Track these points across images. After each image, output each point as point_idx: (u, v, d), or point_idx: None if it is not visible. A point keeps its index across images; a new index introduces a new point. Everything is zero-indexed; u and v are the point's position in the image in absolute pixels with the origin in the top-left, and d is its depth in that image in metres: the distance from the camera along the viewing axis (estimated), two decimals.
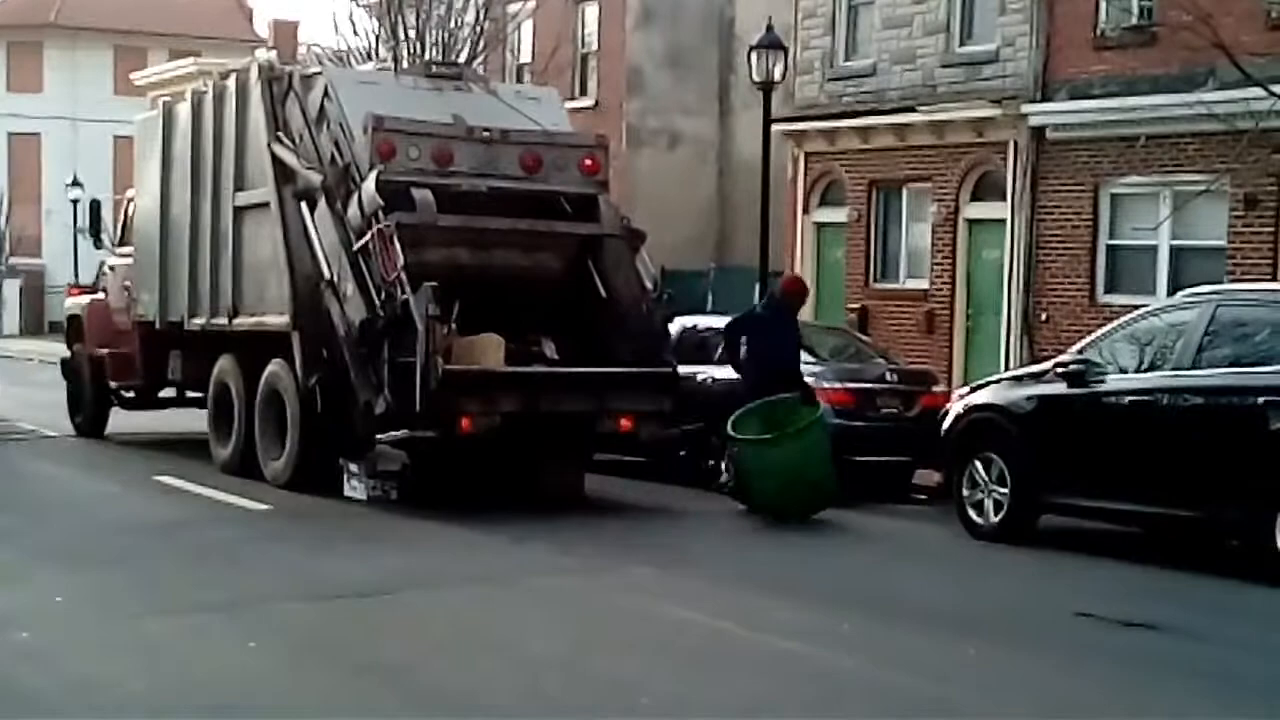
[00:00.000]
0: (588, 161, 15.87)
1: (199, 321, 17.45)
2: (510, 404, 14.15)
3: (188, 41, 56.66)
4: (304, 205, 15.11)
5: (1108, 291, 21.21)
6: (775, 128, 23.15)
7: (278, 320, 15.56)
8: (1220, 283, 15.95)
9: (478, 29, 28.18)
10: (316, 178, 15.03)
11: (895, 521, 15.27)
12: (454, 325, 13.96)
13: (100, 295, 21.25)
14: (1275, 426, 11.39)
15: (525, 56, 33.09)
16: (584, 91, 32.26)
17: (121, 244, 20.74)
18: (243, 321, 16.48)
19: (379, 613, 9.93)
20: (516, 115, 15.99)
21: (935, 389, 17.37)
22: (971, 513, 13.78)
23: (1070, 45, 21.70)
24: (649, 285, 15.51)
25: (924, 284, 24.12)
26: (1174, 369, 12.34)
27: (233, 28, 61.78)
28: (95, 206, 23.25)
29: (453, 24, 28.03)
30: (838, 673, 8.62)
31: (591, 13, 32.71)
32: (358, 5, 30.18)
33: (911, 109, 23.87)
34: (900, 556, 13.25)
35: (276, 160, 15.67)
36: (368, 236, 14.17)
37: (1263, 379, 11.64)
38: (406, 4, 27.78)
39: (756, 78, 21.98)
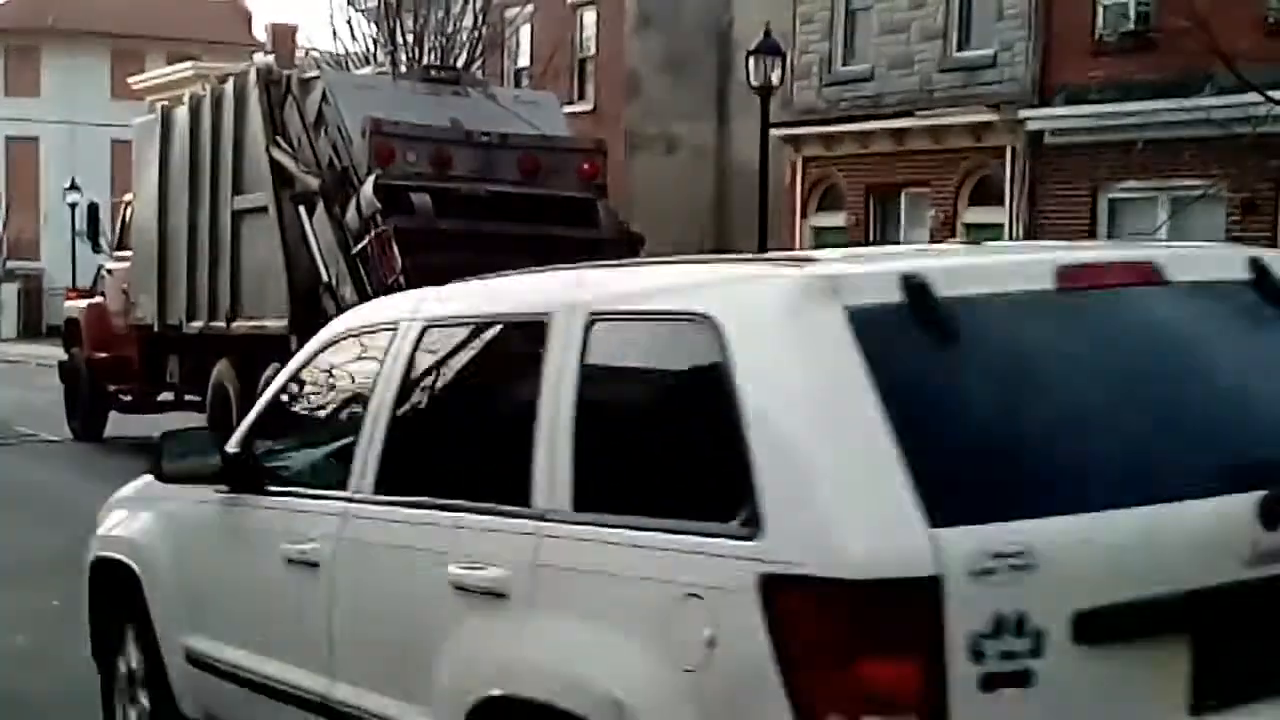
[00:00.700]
0: (586, 166, 15.87)
1: (197, 325, 17.44)
2: None
3: (186, 46, 56.64)
4: (302, 209, 15.11)
5: None
6: (773, 133, 23.20)
7: (276, 324, 15.55)
8: None
9: (476, 33, 28.21)
10: (314, 182, 15.03)
11: None
12: None
13: (98, 299, 21.25)
14: None
15: (523, 61, 33.10)
16: (582, 96, 32.27)
17: (120, 248, 20.74)
18: (241, 325, 16.47)
19: None
20: (515, 119, 15.99)
21: None
22: None
23: (1068, 50, 21.72)
24: None
25: None
26: None
27: (231, 32, 61.79)
28: (93, 210, 23.26)
29: (451, 28, 28.08)
30: None
31: (590, 17, 32.73)
32: (356, 9, 30.18)
33: (909, 114, 23.90)
34: None
35: (274, 164, 15.67)
36: (366, 240, 14.17)
37: None
38: (405, 8, 27.81)
39: (754, 83, 22.01)
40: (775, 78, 21.99)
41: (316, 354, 6.06)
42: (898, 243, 24.80)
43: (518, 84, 31.05)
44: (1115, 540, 3.56)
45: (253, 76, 16.37)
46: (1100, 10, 21.47)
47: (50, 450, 19.94)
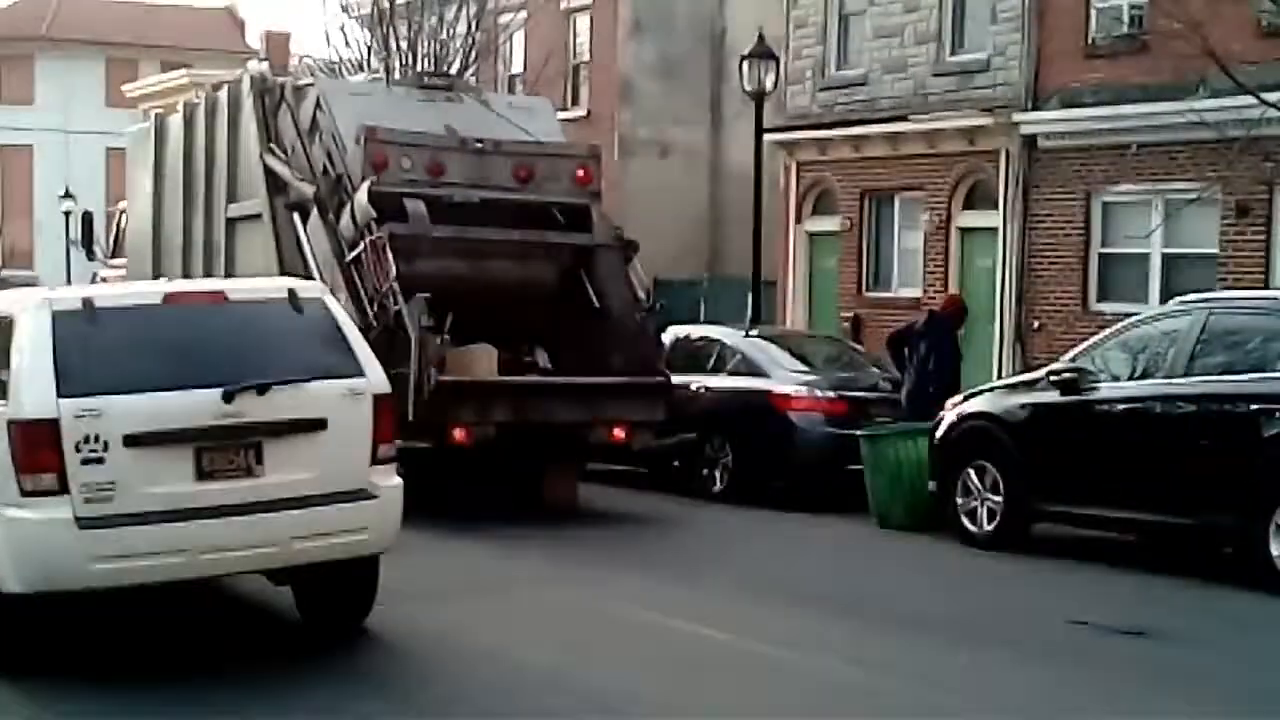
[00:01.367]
0: (580, 172, 15.88)
1: None
2: (503, 414, 14.16)
3: (180, 53, 56.55)
4: (296, 216, 15.10)
5: (1100, 299, 21.23)
6: (767, 137, 23.19)
7: None
8: (1212, 290, 15.99)
9: (469, 40, 28.20)
10: (309, 189, 15.03)
11: (888, 530, 15.27)
12: (447, 336, 13.95)
13: None
14: (1267, 433, 11.41)
15: (517, 67, 33.09)
16: (576, 102, 32.26)
17: (114, 255, 20.75)
18: None
19: (372, 623, 9.91)
20: (509, 126, 15.99)
21: None
22: (965, 521, 13.79)
23: (1061, 54, 21.73)
24: (641, 295, 15.51)
25: (916, 292, 24.13)
26: (1166, 377, 12.36)
27: (225, 39, 61.71)
28: (88, 218, 23.26)
29: (444, 35, 28.07)
30: (829, 680, 8.64)
31: (583, 23, 32.72)
32: (350, 17, 30.18)
33: (903, 118, 23.91)
34: (893, 565, 13.25)
35: (269, 171, 15.68)
36: (360, 247, 14.18)
37: (1255, 386, 11.66)
38: (398, 15, 27.81)
39: (748, 87, 22.02)
40: (769, 82, 21.98)
41: None
42: (892, 246, 24.92)
43: (511, 90, 31.07)
44: (151, 404, 8.13)
45: (247, 84, 16.37)
46: (1094, 14, 21.47)
47: None
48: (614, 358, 15.24)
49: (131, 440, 8.00)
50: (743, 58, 22.25)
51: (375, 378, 8.96)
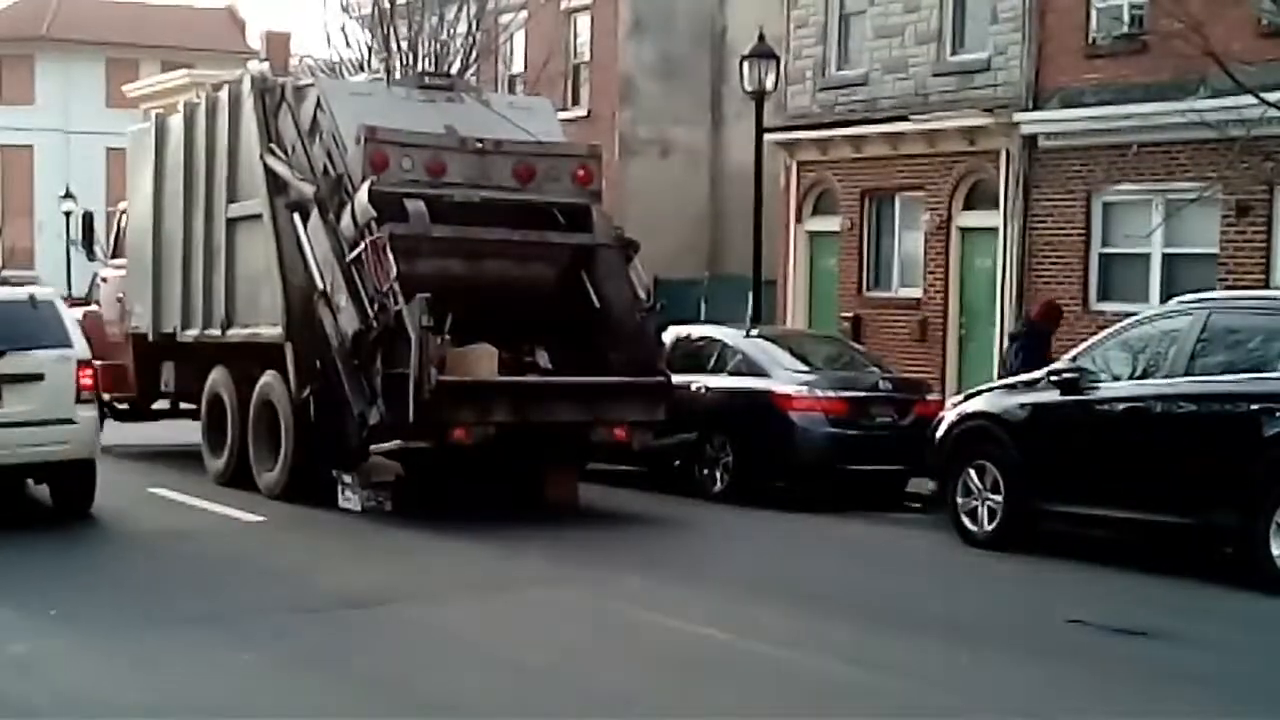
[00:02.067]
0: (580, 172, 15.88)
1: (192, 333, 17.44)
2: (504, 414, 14.16)
3: (180, 53, 56.56)
4: (297, 216, 15.10)
5: (1100, 299, 21.23)
6: (767, 137, 23.18)
7: (271, 331, 15.56)
8: (1213, 290, 15.99)
9: (470, 40, 28.19)
10: (309, 189, 15.03)
11: (889, 530, 15.28)
12: (447, 336, 13.95)
13: (93, 307, 21.22)
14: (1268, 433, 11.42)
15: (517, 67, 33.09)
16: (576, 102, 32.27)
17: (114, 256, 20.72)
18: (236, 333, 16.48)
19: (373, 623, 9.93)
20: (509, 126, 15.99)
21: (929, 397, 17.39)
22: (965, 521, 13.80)
23: (1062, 54, 21.73)
24: (642, 295, 15.51)
25: (917, 292, 24.15)
26: (1166, 376, 12.36)
27: (225, 39, 61.73)
28: (88, 218, 23.21)
29: (445, 35, 28.05)
30: (830, 680, 8.64)
31: (583, 23, 32.73)
32: (350, 17, 30.17)
33: (904, 118, 23.90)
34: (894, 565, 13.26)
35: (269, 172, 15.68)
36: (361, 247, 14.17)
37: (1255, 386, 11.67)
38: (398, 15, 27.80)
39: (748, 87, 22.02)
40: (769, 82, 21.97)
41: None
42: (892, 246, 24.92)
43: (512, 90, 31.07)
44: None
45: (247, 84, 16.37)
46: (1094, 13, 21.47)
47: None
48: (614, 358, 15.24)
49: None
50: (743, 57, 22.25)
51: (80, 348, 14.06)
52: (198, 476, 16.96)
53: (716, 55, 32.40)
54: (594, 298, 15.73)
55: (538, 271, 15.75)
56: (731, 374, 17.23)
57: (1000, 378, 16.39)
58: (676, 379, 15.48)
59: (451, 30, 28.10)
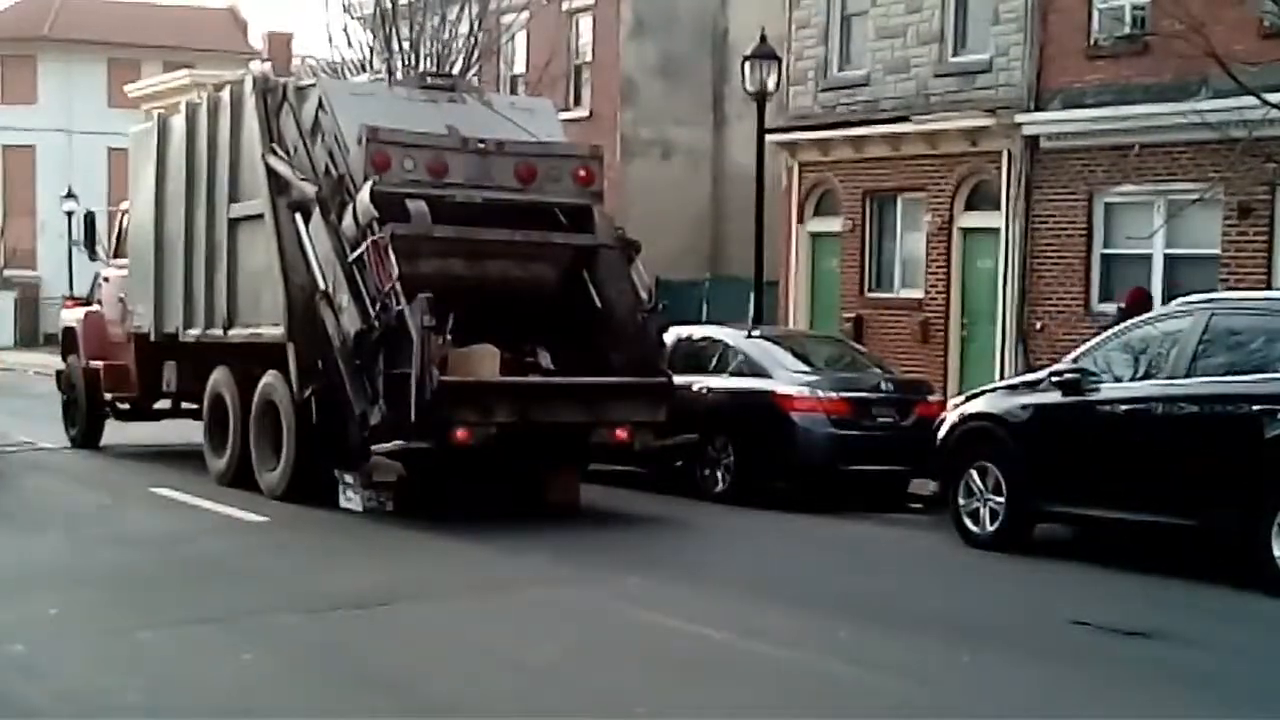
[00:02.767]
0: (582, 172, 15.87)
1: (194, 333, 17.44)
2: (505, 414, 14.15)
3: (182, 53, 56.55)
4: (299, 216, 15.10)
5: (1102, 300, 21.23)
6: (769, 138, 23.18)
7: (273, 331, 15.56)
8: (1214, 291, 15.98)
9: (471, 40, 28.18)
10: (311, 189, 15.03)
11: (891, 530, 15.28)
12: (449, 336, 13.95)
13: (95, 307, 21.24)
14: (1269, 434, 11.41)
15: (519, 67, 33.11)
16: (578, 102, 32.28)
17: (116, 256, 20.72)
18: (238, 333, 16.47)
19: (375, 624, 9.93)
20: (511, 126, 15.98)
21: (930, 398, 17.38)
22: (967, 521, 13.79)
23: (1064, 54, 21.74)
24: (644, 295, 15.50)
25: (919, 293, 24.16)
26: (1168, 377, 12.36)
27: (227, 40, 61.71)
28: (90, 218, 23.21)
29: (446, 35, 28.05)
30: (832, 680, 8.63)
31: (585, 24, 32.75)
32: (352, 17, 30.17)
33: (905, 119, 23.92)
34: (895, 565, 13.26)
35: (271, 172, 15.67)
36: (363, 248, 14.17)
37: (1257, 387, 11.66)
38: (400, 16, 27.80)
39: (750, 88, 22.01)
40: (771, 83, 21.97)
41: None
42: (894, 247, 24.92)
43: (513, 90, 31.09)
44: None
45: (249, 84, 16.36)
46: (1096, 14, 21.48)
47: (48, 458, 19.94)
48: (616, 358, 15.24)
49: None
50: (745, 58, 22.25)
51: None
52: (199, 476, 16.96)
53: (718, 56, 32.42)
54: (596, 298, 15.73)
55: (539, 272, 15.75)
56: (733, 375, 17.23)
57: None
58: (678, 380, 15.47)
59: (453, 31, 28.10)
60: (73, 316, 21.94)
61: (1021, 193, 22.28)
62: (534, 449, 14.93)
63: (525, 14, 31.05)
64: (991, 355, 22.63)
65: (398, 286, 13.79)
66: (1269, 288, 18.17)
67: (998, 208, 22.78)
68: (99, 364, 20.36)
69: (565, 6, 32.62)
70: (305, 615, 10.04)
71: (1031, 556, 13.13)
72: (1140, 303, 17.70)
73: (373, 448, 14.89)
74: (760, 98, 21.94)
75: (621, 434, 14.81)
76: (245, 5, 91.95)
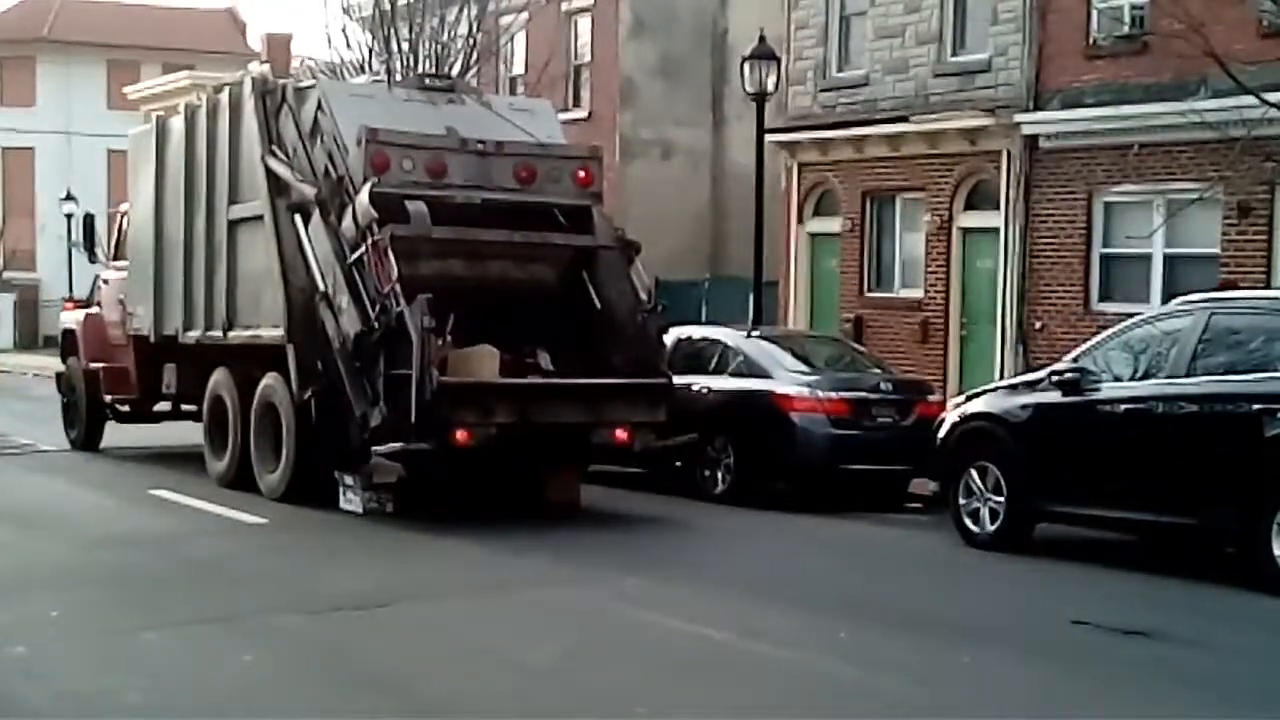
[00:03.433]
0: (581, 173, 15.87)
1: (194, 335, 17.44)
2: (505, 415, 14.15)
3: (181, 55, 56.51)
4: (298, 218, 15.11)
5: (1102, 300, 21.25)
6: (768, 138, 23.18)
7: (272, 333, 15.56)
8: (1213, 290, 15.99)
9: (470, 41, 28.21)
10: (310, 190, 15.03)
11: (891, 530, 15.28)
12: (449, 337, 13.95)
13: (95, 309, 21.24)
14: (1269, 433, 11.41)
15: (518, 68, 33.12)
16: (577, 103, 32.29)
17: (116, 258, 20.72)
18: (237, 334, 16.48)
19: (375, 624, 9.93)
20: (510, 127, 15.99)
21: (930, 398, 17.38)
22: (967, 521, 13.79)
23: (1063, 54, 21.74)
24: (643, 296, 15.50)
25: (918, 293, 24.16)
26: (1168, 377, 12.36)
27: (226, 41, 61.68)
28: (89, 220, 23.22)
29: (445, 36, 28.07)
30: (832, 680, 8.63)
31: (584, 24, 32.75)
32: (351, 19, 30.19)
33: (904, 119, 23.93)
34: (896, 565, 13.26)
35: (270, 173, 15.68)
36: (362, 249, 14.17)
37: (1257, 386, 11.66)
38: (399, 17, 27.81)
39: (749, 88, 22.02)
40: (770, 83, 21.98)
41: None
42: (894, 247, 24.93)
43: (513, 91, 31.10)
44: None
45: (248, 86, 16.37)
46: (1095, 14, 21.49)
47: (48, 460, 19.94)
48: (616, 359, 15.24)
49: None
50: (744, 59, 22.25)
51: None
52: (199, 478, 16.96)
53: (717, 56, 32.43)
54: (595, 299, 15.73)
55: (539, 273, 15.75)
56: (733, 375, 17.23)
57: None
58: (678, 380, 15.47)
59: (452, 32, 28.12)
60: (72, 318, 21.95)
61: (1021, 192, 22.29)
62: (534, 449, 14.93)
63: (524, 15, 31.06)
64: (991, 355, 22.64)
65: (397, 288, 13.80)
66: (1268, 287, 18.17)
67: (997, 207, 22.79)
68: (99, 366, 20.37)
69: (564, 7, 32.63)
70: (306, 616, 10.05)
71: (1031, 556, 13.13)
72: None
73: (373, 449, 14.89)
74: (760, 98, 21.94)
75: (621, 434, 14.81)
76: (244, 7, 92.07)
